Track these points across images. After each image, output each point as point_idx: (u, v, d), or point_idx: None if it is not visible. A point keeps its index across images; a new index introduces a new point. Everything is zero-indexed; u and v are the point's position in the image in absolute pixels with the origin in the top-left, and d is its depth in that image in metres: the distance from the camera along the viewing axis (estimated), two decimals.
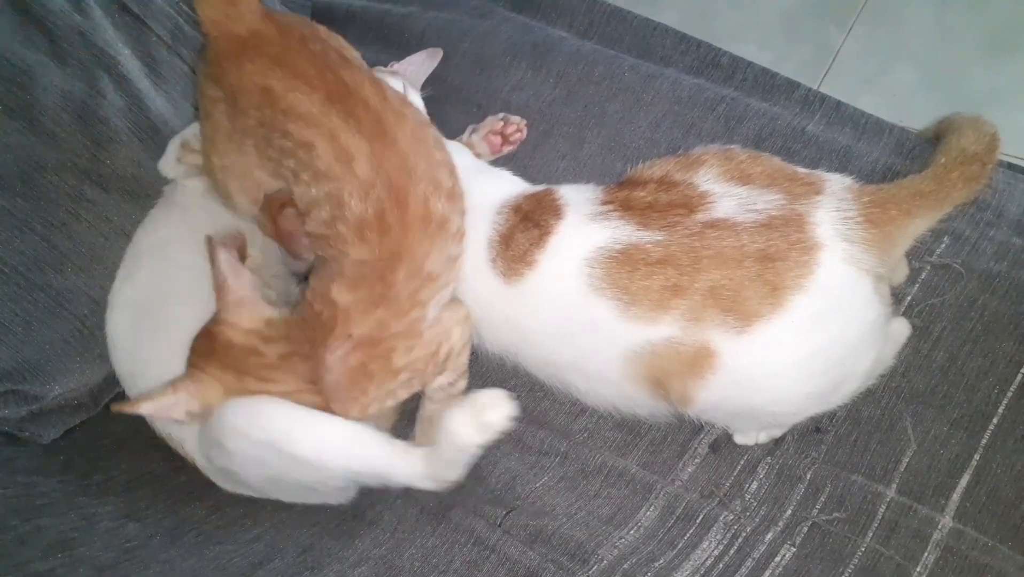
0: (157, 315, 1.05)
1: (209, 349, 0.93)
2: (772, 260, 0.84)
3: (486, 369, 1.12)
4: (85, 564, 0.97)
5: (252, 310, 0.95)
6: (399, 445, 0.94)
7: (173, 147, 1.15)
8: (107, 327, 1.10)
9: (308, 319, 0.91)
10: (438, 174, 0.90)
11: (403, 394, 0.96)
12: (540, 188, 1.02)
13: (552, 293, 0.93)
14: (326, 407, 0.92)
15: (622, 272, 0.88)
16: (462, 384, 1.03)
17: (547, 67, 1.31)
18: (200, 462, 1.04)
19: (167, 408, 0.92)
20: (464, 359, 1.01)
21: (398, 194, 0.87)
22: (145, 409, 0.93)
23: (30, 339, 1.09)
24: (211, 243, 0.95)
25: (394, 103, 0.90)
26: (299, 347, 0.91)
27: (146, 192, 1.18)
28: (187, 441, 1.04)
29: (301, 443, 0.89)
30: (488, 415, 0.89)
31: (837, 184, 0.90)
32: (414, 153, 0.88)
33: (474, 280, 0.97)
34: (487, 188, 1.01)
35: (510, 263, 0.95)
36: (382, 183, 0.86)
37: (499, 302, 0.97)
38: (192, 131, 1.12)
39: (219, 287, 0.94)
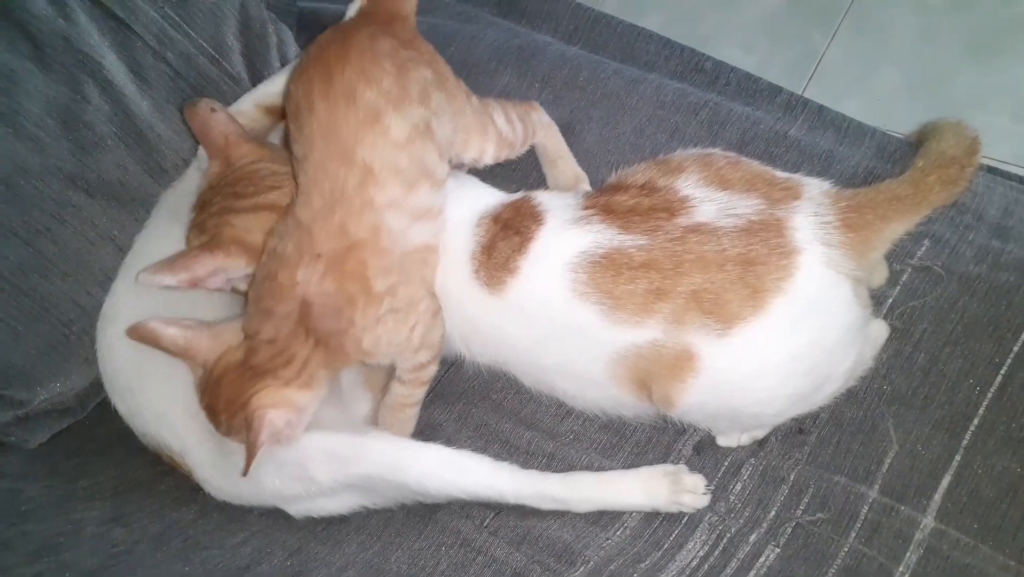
0: None
1: (238, 386, 0.92)
2: (752, 264, 0.85)
3: (472, 373, 1.13)
4: (71, 569, 0.97)
5: (221, 335, 0.95)
6: (508, 468, 0.99)
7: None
8: (103, 338, 1.09)
9: (264, 287, 0.92)
10: (377, 72, 0.90)
11: (392, 327, 0.94)
12: (517, 196, 1.01)
13: (536, 299, 0.93)
14: (330, 355, 0.93)
15: (606, 277, 0.89)
16: (433, 369, 1.03)
17: (532, 72, 1.31)
18: (202, 473, 1.03)
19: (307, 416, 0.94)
20: (437, 337, 1.00)
21: (326, 72, 0.89)
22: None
23: (15, 344, 1.09)
24: (142, 331, 0.95)
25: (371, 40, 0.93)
26: (274, 313, 0.92)
27: (132, 197, 1.17)
28: (188, 454, 1.03)
29: (408, 473, 0.96)
30: (686, 498, 0.98)
31: (815, 189, 0.91)
32: (358, 50, 0.91)
33: (459, 294, 0.98)
34: (462, 203, 1.00)
35: (492, 272, 0.95)
36: (317, 63, 0.91)
37: (485, 313, 0.97)
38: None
39: (183, 355, 0.95)
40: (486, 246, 0.96)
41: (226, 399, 0.93)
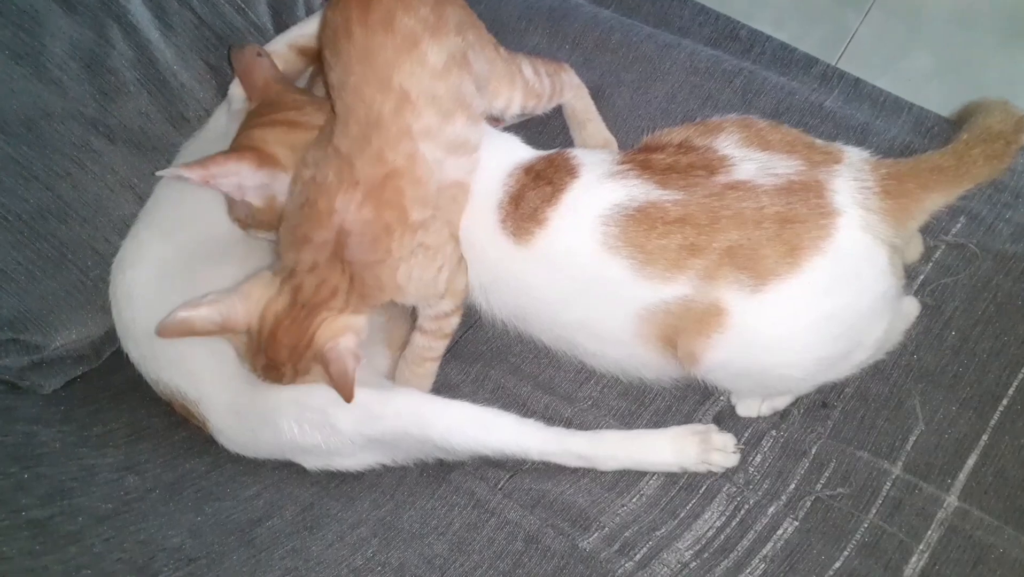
0: (193, 274, 1.03)
1: (296, 329, 0.91)
2: (791, 222, 0.84)
3: (491, 336, 1.12)
4: (83, 513, 0.96)
5: (252, 293, 0.93)
6: (533, 424, 0.99)
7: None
8: (120, 282, 1.08)
9: (303, 214, 0.90)
10: (415, 1, 0.89)
11: (422, 262, 0.93)
12: (552, 151, 1.00)
13: (564, 251, 0.92)
14: (364, 289, 0.91)
15: (639, 230, 0.88)
16: (455, 321, 1.02)
17: (563, 33, 1.29)
18: (218, 423, 1.02)
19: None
20: (461, 285, 0.99)
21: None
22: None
23: (33, 289, 1.08)
24: (172, 325, 0.92)
25: None
26: (311, 240, 0.90)
27: (153, 145, 1.16)
28: (205, 402, 1.02)
29: (434, 427, 0.96)
30: (715, 456, 0.97)
31: (856, 156, 0.90)
32: None
33: (484, 244, 0.96)
34: (496, 152, 1.00)
35: (520, 222, 0.94)
36: None
37: (510, 264, 0.96)
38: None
39: (223, 330, 0.93)
40: (515, 196, 0.95)
41: (289, 346, 0.92)
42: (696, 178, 0.88)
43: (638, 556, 0.93)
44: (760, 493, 0.97)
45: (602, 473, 1.00)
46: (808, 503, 0.95)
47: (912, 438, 0.96)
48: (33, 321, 1.08)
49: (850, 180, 0.86)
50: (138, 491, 1.01)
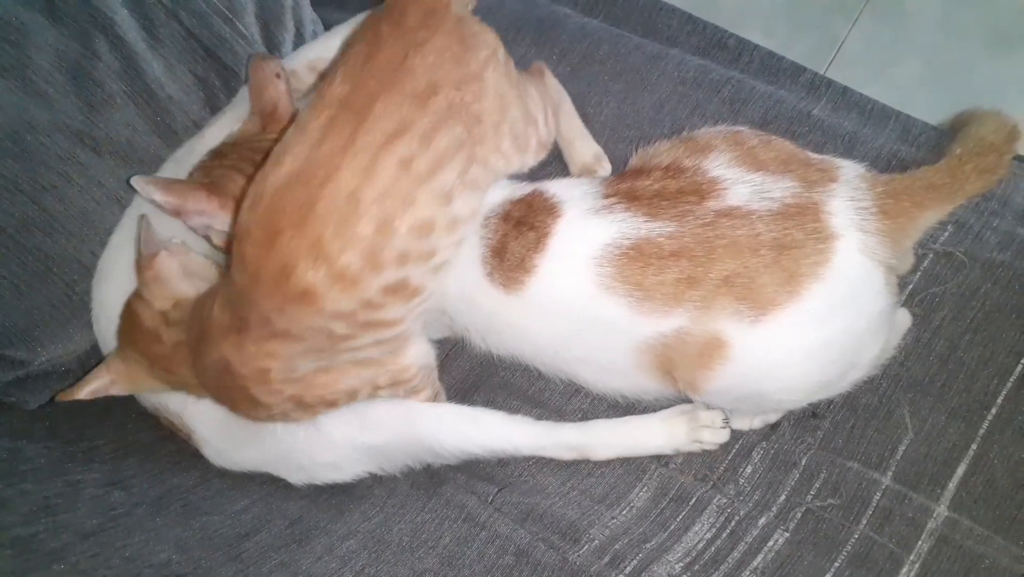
0: None
1: (129, 327, 0.93)
2: (788, 248, 0.83)
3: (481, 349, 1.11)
4: (68, 530, 0.95)
5: (166, 288, 0.93)
6: (521, 419, 0.99)
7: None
8: (100, 295, 1.08)
9: (200, 313, 0.90)
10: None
11: (299, 416, 0.93)
12: (527, 190, 0.96)
13: (557, 296, 0.90)
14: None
15: (634, 268, 0.86)
16: (415, 382, 0.99)
17: (551, 44, 1.29)
18: (203, 434, 1.02)
19: (104, 389, 0.97)
20: (388, 393, 0.98)
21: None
22: (84, 394, 0.96)
23: (18, 303, 1.07)
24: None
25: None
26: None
27: (140, 158, 1.15)
28: (188, 412, 1.02)
29: (422, 425, 0.96)
30: (705, 434, 0.97)
31: (850, 172, 0.89)
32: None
33: (473, 296, 0.94)
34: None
35: (508, 273, 0.91)
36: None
37: (503, 313, 0.94)
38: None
39: (139, 261, 0.93)
40: (496, 248, 0.92)
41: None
42: (687, 205, 0.86)
43: (628, 569, 0.93)
44: (750, 504, 0.96)
45: (592, 483, 1.00)
46: (798, 514, 0.95)
47: (901, 448, 0.96)
48: (18, 336, 1.07)
49: (847, 200, 0.85)
50: (124, 506, 1.00)
